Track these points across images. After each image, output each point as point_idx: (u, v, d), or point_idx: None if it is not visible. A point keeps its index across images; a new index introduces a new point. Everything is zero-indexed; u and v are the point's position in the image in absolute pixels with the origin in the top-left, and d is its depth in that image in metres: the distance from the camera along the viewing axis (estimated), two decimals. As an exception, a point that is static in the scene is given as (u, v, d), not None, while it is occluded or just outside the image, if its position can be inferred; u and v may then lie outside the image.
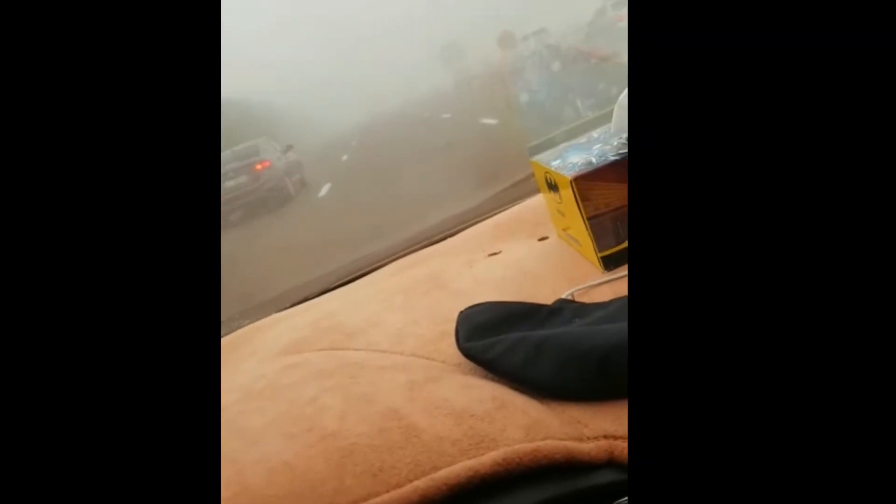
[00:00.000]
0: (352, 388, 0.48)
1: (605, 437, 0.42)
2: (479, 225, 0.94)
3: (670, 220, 0.24)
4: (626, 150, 0.64)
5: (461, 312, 0.58)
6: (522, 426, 0.42)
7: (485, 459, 0.37)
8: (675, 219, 0.24)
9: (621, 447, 0.41)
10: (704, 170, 0.24)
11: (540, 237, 0.82)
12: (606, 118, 0.74)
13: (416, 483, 0.35)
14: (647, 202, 0.25)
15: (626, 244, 0.65)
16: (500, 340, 0.51)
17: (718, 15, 0.24)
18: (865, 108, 0.23)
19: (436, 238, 0.97)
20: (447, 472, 0.36)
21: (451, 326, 0.57)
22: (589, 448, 0.41)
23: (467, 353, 0.52)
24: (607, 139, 0.70)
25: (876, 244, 0.22)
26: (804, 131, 0.23)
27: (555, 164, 0.69)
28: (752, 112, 0.24)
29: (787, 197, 0.23)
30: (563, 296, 0.62)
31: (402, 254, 0.96)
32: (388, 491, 0.34)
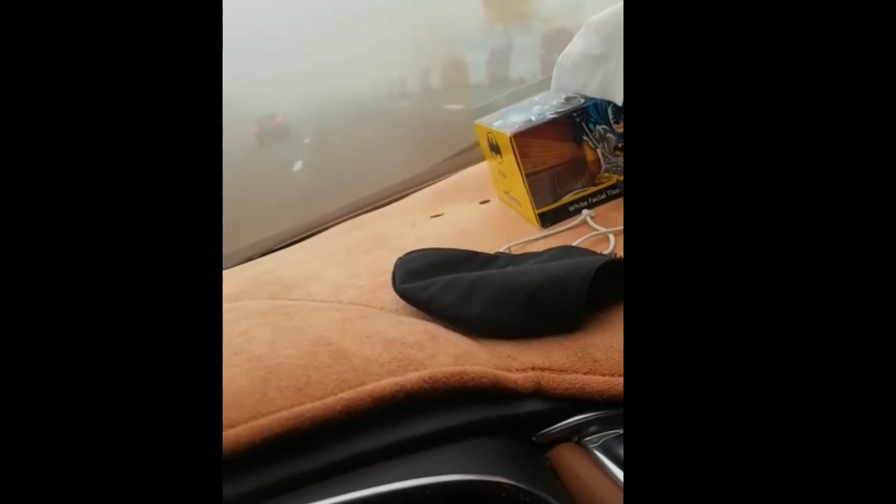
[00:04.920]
0: (284, 323, 0.48)
1: (533, 368, 0.43)
2: (423, 190, 0.95)
3: (667, 212, 0.24)
4: (564, 109, 0.66)
5: (399, 259, 0.59)
6: (452, 354, 0.42)
7: (411, 376, 0.37)
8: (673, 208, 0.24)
9: (548, 378, 0.42)
10: (702, 162, 0.23)
11: (482, 201, 0.84)
12: (549, 83, 0.76)
13: (341, 395, 0.35)
14: (644, 197, 0.24)
15: (561, 201, 0.67)
16: (436, 281, 0.52)
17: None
18: (865, 108, 0.22)
19: (381, 203, 0.98)
20: (373, 385, 0.36)
21: (390, 277, 0.58)
22: (516, 377, 0.41)
23: (403, 294, 0.53)
24: (547, 100, 0.72)
25: (874, 240, 0.22)
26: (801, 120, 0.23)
27: (496, 124, 0.71)
28: (749, 110, 0.23)
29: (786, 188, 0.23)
30: (501, 250, 0.64)
31: (346, 217, 0.96)
32: (311, 402, 0.34)
